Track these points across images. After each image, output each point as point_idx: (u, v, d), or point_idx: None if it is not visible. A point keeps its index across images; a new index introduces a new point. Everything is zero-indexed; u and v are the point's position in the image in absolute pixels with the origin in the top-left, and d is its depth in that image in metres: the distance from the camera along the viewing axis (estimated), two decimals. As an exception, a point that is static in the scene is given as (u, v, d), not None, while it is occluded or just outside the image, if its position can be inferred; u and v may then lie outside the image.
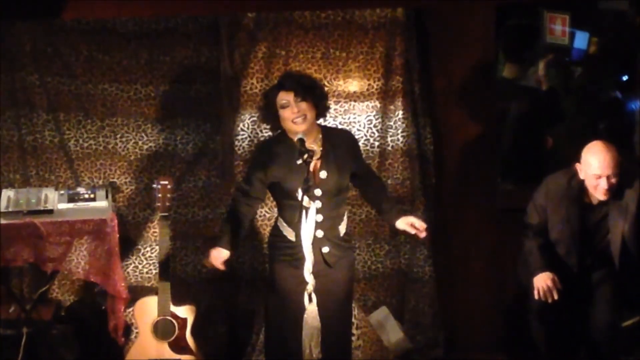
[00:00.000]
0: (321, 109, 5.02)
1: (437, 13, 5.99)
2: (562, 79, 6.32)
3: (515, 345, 5.95)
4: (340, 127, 5.80)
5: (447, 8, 5.97)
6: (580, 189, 5.34)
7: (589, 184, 5.26)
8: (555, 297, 5.26)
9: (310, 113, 4.93)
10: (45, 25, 5.77)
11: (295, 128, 4.90)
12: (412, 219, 5.02)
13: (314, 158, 4.92)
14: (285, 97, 4.92)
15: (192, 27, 5.86)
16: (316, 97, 4.97)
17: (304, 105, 4.91)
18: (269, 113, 5.01)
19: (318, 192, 4.93)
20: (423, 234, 5.03)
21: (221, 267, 5.04)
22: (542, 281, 5.28)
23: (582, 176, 5.29)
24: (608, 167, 5.18)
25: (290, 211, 4.95)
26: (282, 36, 5.90)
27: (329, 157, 4.99)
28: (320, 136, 5.02)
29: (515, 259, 5.62)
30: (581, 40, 6.34)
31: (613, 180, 5.21)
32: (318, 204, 4.92)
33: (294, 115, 4.89)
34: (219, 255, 5.02)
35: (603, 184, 5.20)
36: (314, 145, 4.97)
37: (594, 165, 5.20)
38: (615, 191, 5.27)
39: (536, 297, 5.29)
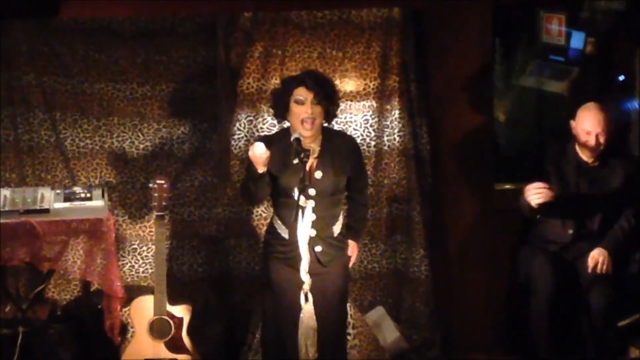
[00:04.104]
0: (330, 116, 5.02)
1: (434, 13, 5.98)
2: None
3: (515, 343, 5.97)
4: (337, 128, 5.79)
5: (444, 8, 5.97)
6: (576, 151, 5.57)
7: (580, 139, 5.51)
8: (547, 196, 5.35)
9: (319, 118, 4.92)
10: (42, 25, 5.77)
11: (302, 130, 4.89)
12: (352, 251, 5.16)
13: (311, 157, 4.92)
14: (304, 94, 4.89)
15: (188, 27, 5.86)
16: (330, 104, 4.96)
17: (318, 108, 4.90)
18: (280, 101, 4.98)
19: (312, 191, 4.92)
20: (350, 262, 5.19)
21: (263, 163, 4.76)
22: (531, 185, 5.36)
23: (574, 132, 5.52)
24: (599, 124, 5.44)
25: (286, 209, 4.94)
26: (278, 36, 5.89)
27: (326, 158, 4.98)
28: (321, 137, 5.02)
29: (512, 259, 5.63)
30: (577, 40, 6.35)
31: (601, 139, 5.45)
32: (312, 203, 4.92)
33: (307, 114, 4.88)
34: (262, 147, 4.76)
35: (592, 141, 5.45)
36: (313, 144, 4.96)
37: (586, 121, 5.47)
38: (606, 154, 5.51)
39: (527, 198, 5.36)
